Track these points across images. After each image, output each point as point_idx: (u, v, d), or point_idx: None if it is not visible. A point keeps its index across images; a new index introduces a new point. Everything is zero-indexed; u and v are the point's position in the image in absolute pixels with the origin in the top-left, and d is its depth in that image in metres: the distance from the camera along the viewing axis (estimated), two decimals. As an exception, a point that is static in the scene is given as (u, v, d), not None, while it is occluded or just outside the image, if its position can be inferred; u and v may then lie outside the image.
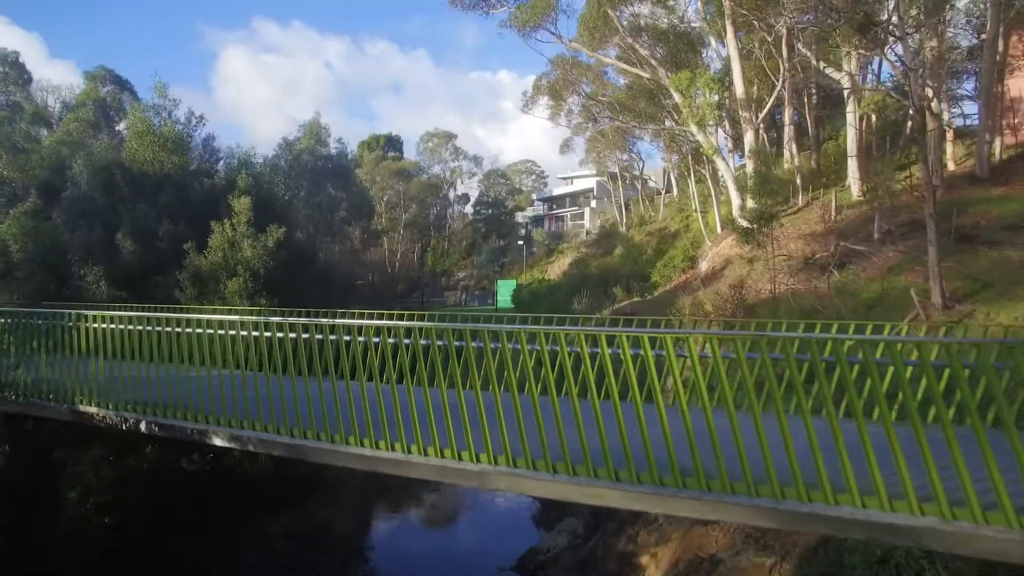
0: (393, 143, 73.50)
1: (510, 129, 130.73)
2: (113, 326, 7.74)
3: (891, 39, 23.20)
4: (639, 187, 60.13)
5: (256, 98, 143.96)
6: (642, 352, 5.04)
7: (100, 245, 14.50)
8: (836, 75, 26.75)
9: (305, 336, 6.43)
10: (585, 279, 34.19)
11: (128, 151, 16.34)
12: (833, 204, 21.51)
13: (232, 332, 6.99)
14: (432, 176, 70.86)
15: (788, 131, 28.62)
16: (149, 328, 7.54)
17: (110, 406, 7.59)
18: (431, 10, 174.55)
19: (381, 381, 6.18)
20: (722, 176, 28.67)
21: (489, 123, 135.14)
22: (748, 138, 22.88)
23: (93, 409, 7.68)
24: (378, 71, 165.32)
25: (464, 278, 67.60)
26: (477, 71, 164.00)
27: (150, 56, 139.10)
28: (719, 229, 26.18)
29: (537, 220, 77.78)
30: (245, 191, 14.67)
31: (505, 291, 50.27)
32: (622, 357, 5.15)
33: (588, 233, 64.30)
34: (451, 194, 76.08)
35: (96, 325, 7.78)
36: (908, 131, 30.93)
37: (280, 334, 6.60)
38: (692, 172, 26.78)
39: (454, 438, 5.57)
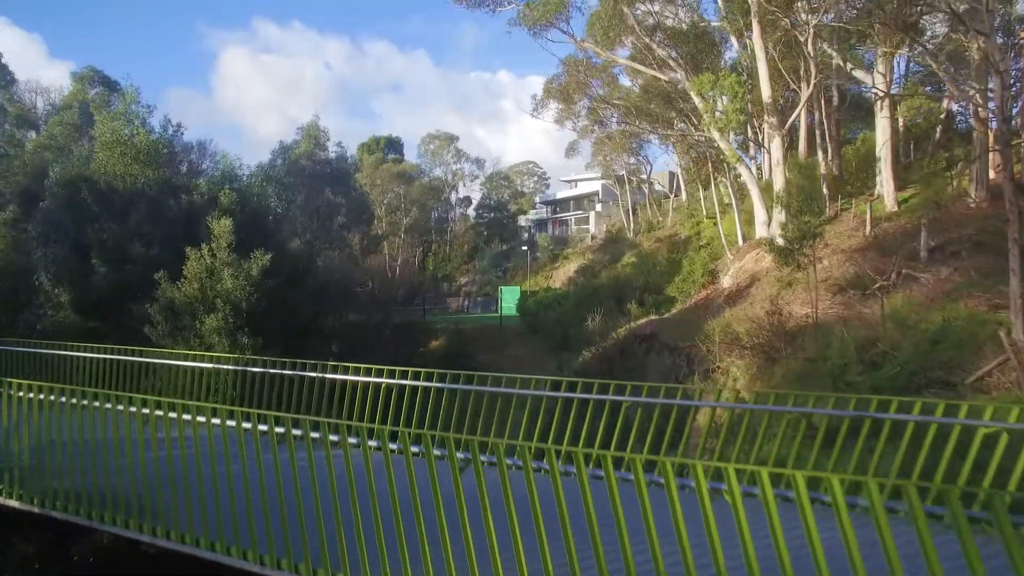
0: (394, 145, 71.97)
1: (510, 129, 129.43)
2: (42, 396, 6.15)
3: (923, 38, 21.66)
4: (646, 191, 58.60)
5: (256, 98, 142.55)
6: (726, 493, 3.45)
7: (69, 267, 12.90)
8: (863, 76, 25.18)
9: (280, 430, 4.82)
10: (595, 290, 32.58)
11: (97, 164, 14.65)
12: (868, 216, 19.93)
13: (188, 416, 5.37)
14: (434, 179, 69.32)
15: (804, 135, 27.04)
16: (85, 403, 5.94)
17: (35, 500, 6.01)
18: (430, 9, 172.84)
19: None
20: (739, 183, 27.17)
21: (489, 123, 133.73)
22: (774, 145, 21.30)
23: (15, 503, 6.10)
24: (378, 71, 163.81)
25: (466, 284, 65.97)
26: (476, 71, 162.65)
27: (150, 57, 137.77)
28: (740, 240, 24.59)
29: (540, 224, 76.19)
30: (227, 209, 12.89)
31: (509, 298, 48.69)
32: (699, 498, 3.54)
33: (593, 238, 62.69)
34: (453, 197, 74.59)
35: (20, 394, 6.19)
36: (938, 136, 29.41)
37: (247, 424, 4.98)
38: (713, 180, 25.21)
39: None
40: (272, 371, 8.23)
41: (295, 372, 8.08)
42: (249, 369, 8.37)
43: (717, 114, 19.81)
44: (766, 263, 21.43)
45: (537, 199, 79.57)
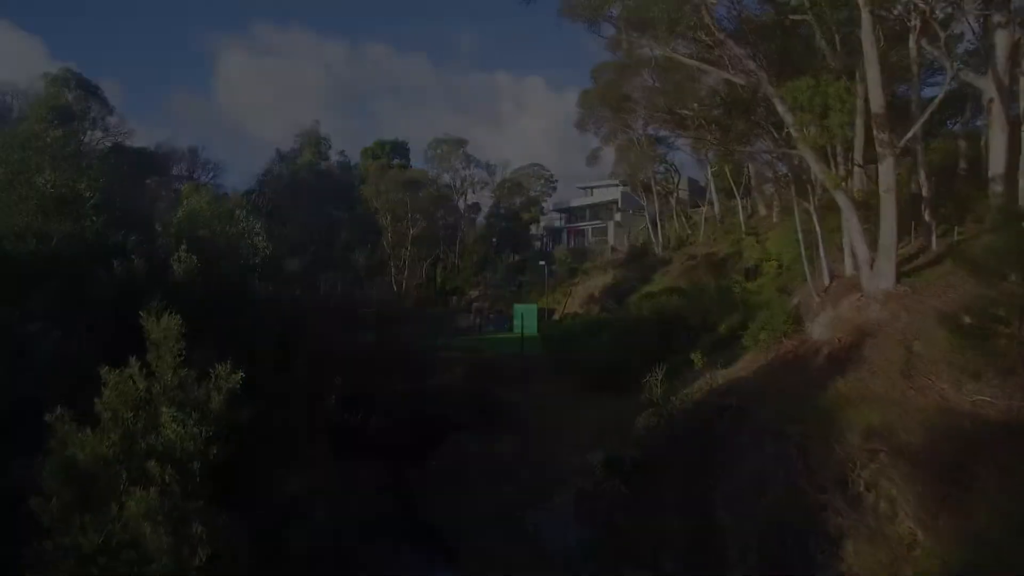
0: (399, 150, 67.69)
1: (509, 131, 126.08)
2: None
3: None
4: (672, 202, 54.32)
5: (256, 100, 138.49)
6: None
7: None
8: (973, 79, 21.02)
9: None
10: (636, 325, 28.19)
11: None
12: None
13: None
14: (442, 186, 65.01)
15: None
16: None
17: None
18: (429, 11, 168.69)
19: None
20: (826, 201, 22.94)
21: (488, 125, 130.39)
22: (885, 167, 17.14)
23: None
24: (377, 73, 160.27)
25: (477, 298, 61.63)
26: (475, 73, 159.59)
27: (150, 59, 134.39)
28: (826, 278, 20.43)
29: (554, 232, 71.96)
30: (183, 283, 8.60)
31: (528, 318, 44.46)
32: None
33: (614, 250, 58.45)
34: (461, 204, 70.34)
35: None
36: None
37: None
38: (798, 204, 20.91)
39: None
40: None
41: None
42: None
43: (822, 128, 15.65)
44: (874, 313, 17.27)
45: (549, 205, 74.99)
